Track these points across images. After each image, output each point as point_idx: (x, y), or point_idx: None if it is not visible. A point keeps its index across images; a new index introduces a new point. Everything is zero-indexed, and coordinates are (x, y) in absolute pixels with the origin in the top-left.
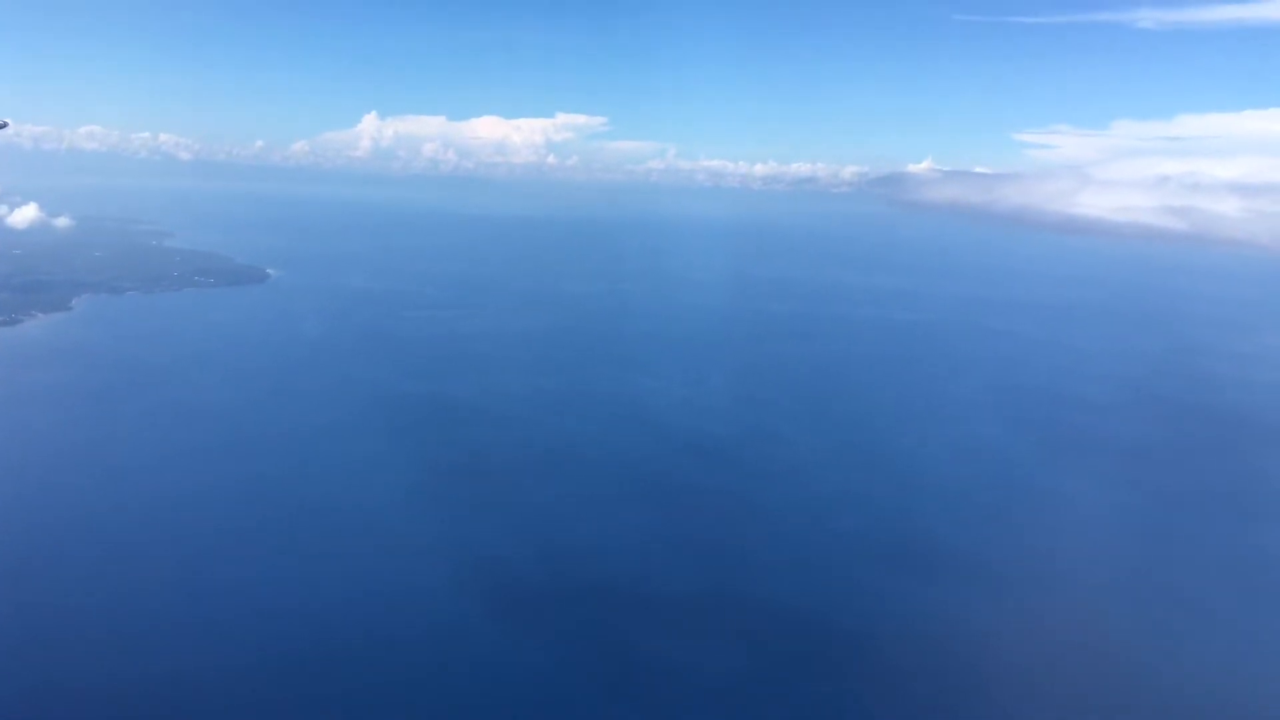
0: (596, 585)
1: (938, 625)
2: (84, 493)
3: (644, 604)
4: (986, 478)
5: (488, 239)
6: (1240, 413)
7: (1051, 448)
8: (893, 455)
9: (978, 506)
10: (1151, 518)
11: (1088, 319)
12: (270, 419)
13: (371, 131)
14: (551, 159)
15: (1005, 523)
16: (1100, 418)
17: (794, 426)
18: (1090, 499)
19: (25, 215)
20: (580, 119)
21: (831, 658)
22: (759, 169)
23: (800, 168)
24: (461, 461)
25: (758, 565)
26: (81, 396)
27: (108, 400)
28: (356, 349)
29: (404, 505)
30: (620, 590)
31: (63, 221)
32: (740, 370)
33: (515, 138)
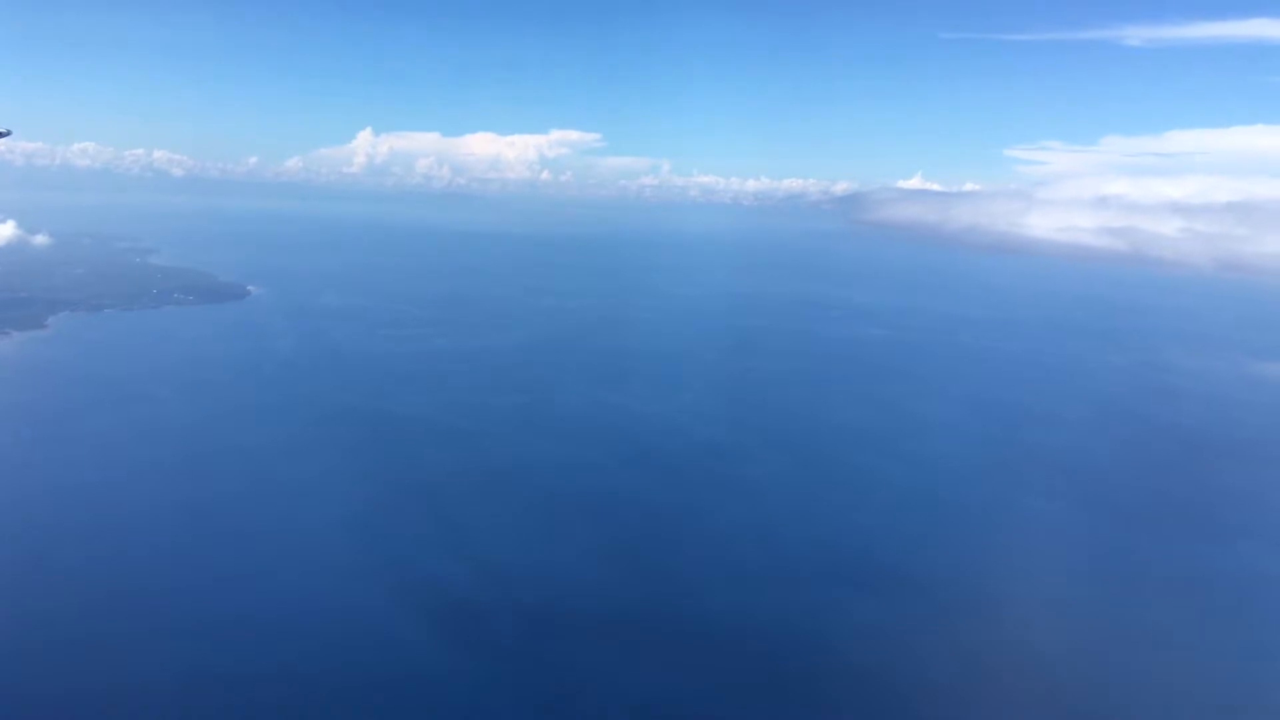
0: (539, 605)
1: (880, 643)
2: (29, 511)
3: (584, 624)
4: (945, 494)
5: (475, 256)
6: (1199, 428)
7: (1012, 464)
8: (854, 471)
9: (934, 523)
10: (1105, 535)
11: (1045, 335)
12: (229, 436)
13: (366, 148)
14: (546, 175)
15: (959, 540)
16: (1061, 433)
17: (758, 443)
18: (1047, 516)
19: (3, 233)
20: (574, 135)
21: (770, 677)
22: (751, 185)
23: (791, 184)
24: (414, 479)
25: (703, 583)
26: (45, 415)
27: (71, 419)
28: (325, 367)
29: (352, 523)
30: (561, 610)
31: (41, 239)
32: (710, 386)
33: (509, 154)
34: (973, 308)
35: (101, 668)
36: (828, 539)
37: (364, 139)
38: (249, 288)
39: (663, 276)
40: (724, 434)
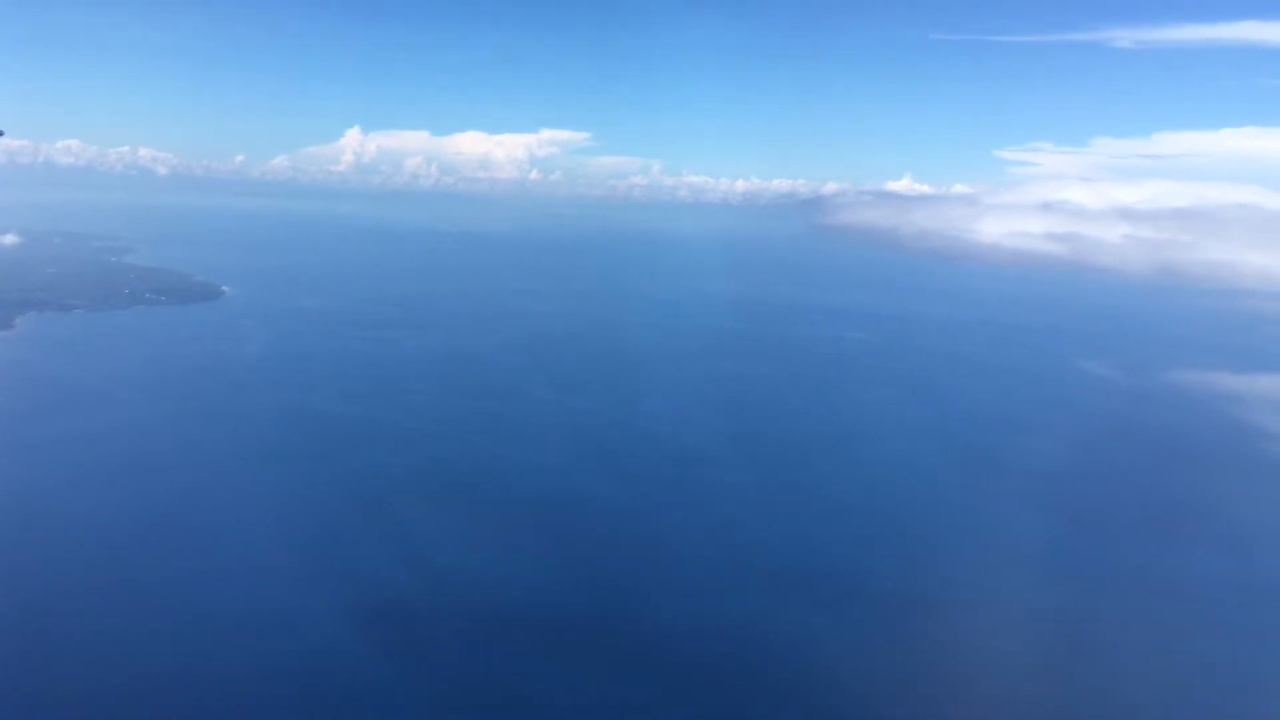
0: (482, 612)
1: (828, 653)
2: None
3: (527, 632)
4: (905, 502)
5: (458, 256)
6: (1165, 432)
7: (974, 470)
8: (815, 477)
9: (891, 531)
10: (1063, 541)
11: (1010, 339)
12: (181, 439)
13: (354, 146)
14: (535, 174)
15: (914, 548)
16: (1024, 438)
17: (722, 448)
18: (1005, 523)
19: None
20: (564, 134)
21: (714, 687)
22: (740, 185)
23: (781, 184)
24: (367, 482)
25: (652, 591)
26: (2, 416)
27: (27, 420)
28: (291, 369)
29: (299, 526)
30: (505, 617)
31: (10, 238)
32: (680, 390)
33: (498, 153)
34: (923, 309)
35: (35, 671)
36: (787, 545)
37: (352, 137)
38: (223, 288)
39: (642, 278)
40: (688, 437)
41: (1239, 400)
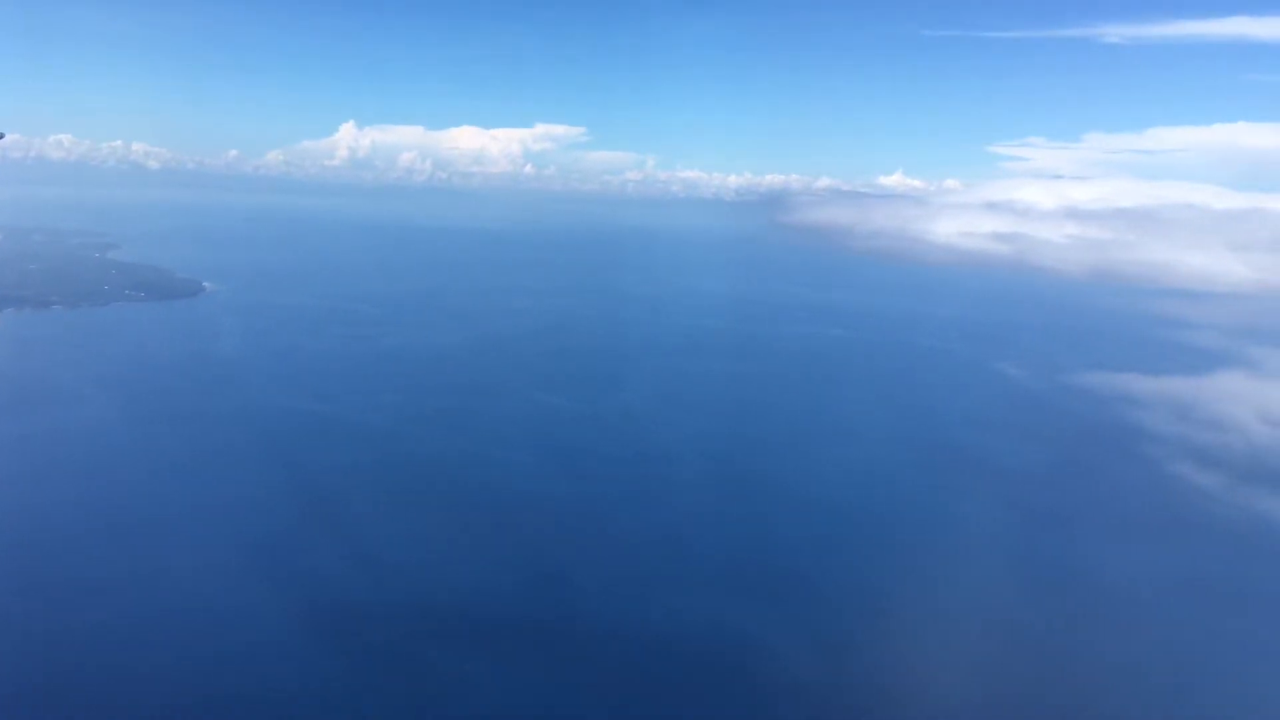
0: (434, 611)
1: (776, 653)
2: None
3: (470, 630)
4: (866, 500)
5: (449, 253)
6: (1134, 430)
7: (939, 468)
8: (780, 475)
9: (848, 529)
10: (1018, 538)
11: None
12: (144, 438)
13: (348, 141)
14: (529, 169)
15: (869, 546)
16: (993, 436)
17: (688, 446)
18: (964, 520)
19: None
20: (559, 129)
21: (659, 688)
22: (733, 180)
23: (774, 179)
24: (327, 482)
25: (599, 590)
26: None
27: None
28: (265, 368)
29: (254, 526)
30: (456, 617)
31: None
32: (654, 388)
33: (493, 148)
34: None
35: None
36: (738, 544)
37: (347, 132)
38: (205, 284)
39: (623, 274)
40: (654, 435)
41: (1136, 401)
